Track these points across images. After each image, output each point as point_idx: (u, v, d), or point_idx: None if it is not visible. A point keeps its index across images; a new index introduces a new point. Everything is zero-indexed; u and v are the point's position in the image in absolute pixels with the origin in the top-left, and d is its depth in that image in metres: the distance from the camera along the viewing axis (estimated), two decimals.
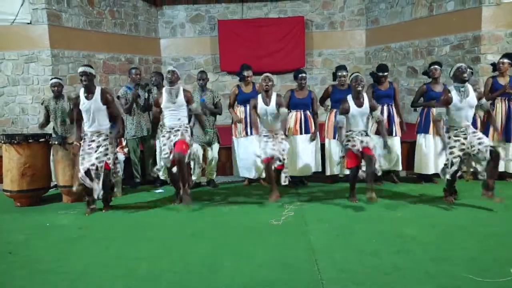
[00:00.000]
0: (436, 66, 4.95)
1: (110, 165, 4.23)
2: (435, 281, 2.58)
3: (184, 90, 4.44)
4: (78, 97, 4.25)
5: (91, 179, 4.10)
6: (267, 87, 4.47)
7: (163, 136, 4.39)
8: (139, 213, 4.30)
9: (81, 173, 4.09)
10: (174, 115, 4.36)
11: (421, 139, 5.10)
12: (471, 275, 2.61)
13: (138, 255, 3.16)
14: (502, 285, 2.51)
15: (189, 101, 4.41)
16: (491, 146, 3.95)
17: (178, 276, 2.78)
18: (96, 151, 4.15)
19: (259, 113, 4.51)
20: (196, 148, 4.70)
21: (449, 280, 2.58)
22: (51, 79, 5.27)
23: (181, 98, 4.35)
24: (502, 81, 5.04)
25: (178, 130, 4.33)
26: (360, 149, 4.22)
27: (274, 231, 3.60)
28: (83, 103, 4.18)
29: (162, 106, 4.37)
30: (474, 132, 4.11)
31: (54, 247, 3.38)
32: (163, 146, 4.37)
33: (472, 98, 4.07)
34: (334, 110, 5.10)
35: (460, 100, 4.03)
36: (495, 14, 6.61)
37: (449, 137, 4.14)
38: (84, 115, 4.22)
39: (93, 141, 4.19)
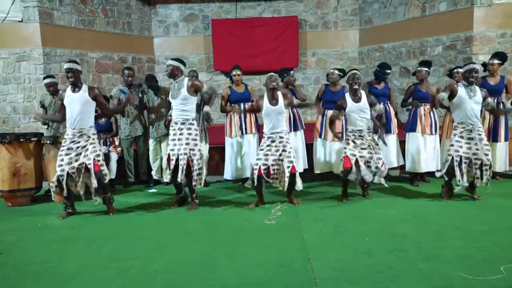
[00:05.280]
0: (422, 68, 5.00)
1: (100, 166, 4.07)
2: (428, 279, 2.60)
3: (190, 81, 4.18)
4: (64, 91, 4.14)
5: (62, 186, 3.99)
6: (274, 85, 4.22)
7: (171, 131, 4.25)
8: (132, 213, 4.27)
9: (55, 179, 3.99)
10: (178, 109, 4.18)
11: (408, 137, 5.16)
12: (463, 274, 2.64)
13: (132, 255, 3.14)
14: (493, 283, 2.53)
15: (197, 90, 4.17)
16: (483, 161, 4.14)
17: (173, 275, 2.77)
18: (78, 154, 4.01)
19: (265, 114, 4.28)
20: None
21: (442, 278, 2.60)
22: (44, 78, 5.18)
23: (184, 91, 4.12)
24: (492, 81, 5.09)
25: (182, 128, 4.14)
26: (355, 156, 4.28)
27: (268, 230, 3.60)
28: (68, 95, 4.05)
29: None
30: (480, 139, 4.18)
31: (47, 248, 3.35)
32: (169, 142, 4.26)
33: (479, 96, 4.20)
34: (324, 111, 5.24)
35: (466, 94, 4.16)
36: (486, 14, 6.68)
37: (455, 134, 4.27)
38: (68, 110, 4.05)
39: (74, 141, 4.02)
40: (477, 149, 4.16)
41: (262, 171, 4.16)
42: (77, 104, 4.02)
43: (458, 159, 4.19)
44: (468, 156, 4.18)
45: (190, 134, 4.16)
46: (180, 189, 4.42)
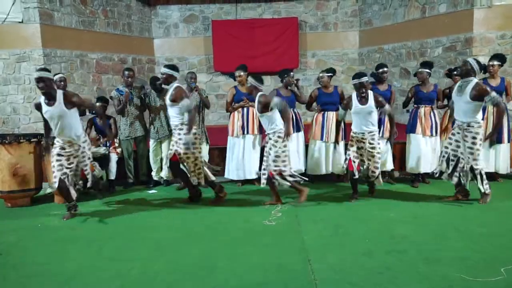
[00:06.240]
0: (423, 69, 4.99)
1: (86, 174, 4.16)
2: (428, 280, 2.60)
3: (174, 90, 4.20)
4: (39, 104, 3.89)
5: (64, 187, 4.00)
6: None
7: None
8: (132, 214, 4.26)
9: (56, 182, 3.96)
10: (171, 114, 4.37)
11: (409, 139, 5.17)
12: (463, 275, 2.64)
13: (131, 256, 3.14)
14: (493, 285, 2.53)
15: (175, 99, 4.17)
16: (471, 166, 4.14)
17: (173, 276, 2.77)
18: (68, 160, 3.99)
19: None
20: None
21: (442, 280, 2.61)
22: (55, 75, 5.12)
23: (168, 97, 4.27)
24: (493, 82, 5.08)
25: (175, 133, 4.35)
26: (355, 160, 4.35)
27: (268, 231, 3.61)
28: (46, 111, 3.85)
29: None
30: (473, 143, 4.11)
31: (47, 248, 3.35)
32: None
33: (465, 96, 4.05)
34: (322, 112, 5.21)
35: (455, 93, 4.19)
36: (486, 16, 6.68)
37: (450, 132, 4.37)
38: (50, 124, 3.92)
39: (64, 149, 3.96)
40: (467, 149, 4.15)
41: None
42: (56, 118, 3.86)
43: (446, 155, 4.28)
44: (455, 154, 4.23)
45: (180, 139, 4.29)
46: (191, 185, 4.52)
